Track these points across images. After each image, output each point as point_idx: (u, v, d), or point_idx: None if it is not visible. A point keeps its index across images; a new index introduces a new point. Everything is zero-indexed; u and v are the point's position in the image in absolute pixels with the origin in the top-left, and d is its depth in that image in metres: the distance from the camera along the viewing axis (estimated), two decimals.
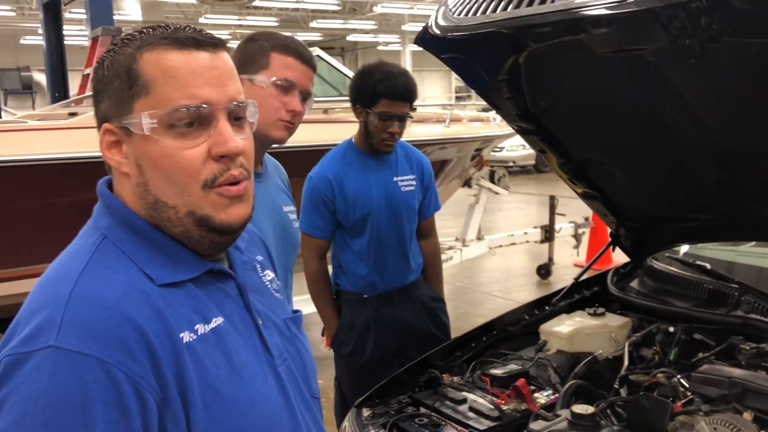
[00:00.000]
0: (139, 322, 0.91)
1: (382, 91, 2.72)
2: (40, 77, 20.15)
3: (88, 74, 6.44)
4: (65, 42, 9.03)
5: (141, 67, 0.98)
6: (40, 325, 0.89)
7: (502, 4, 1.80)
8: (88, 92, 5.94)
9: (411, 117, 2.83)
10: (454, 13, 1.96)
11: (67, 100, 6.59)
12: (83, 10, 8.15)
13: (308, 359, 1.21)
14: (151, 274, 0.98)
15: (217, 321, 1.02)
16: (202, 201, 1.00)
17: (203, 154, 0.99)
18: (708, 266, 2.34)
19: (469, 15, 1.90)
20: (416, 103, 2.95)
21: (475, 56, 2.11)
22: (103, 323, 0.89)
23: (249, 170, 1.04)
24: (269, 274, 1.25)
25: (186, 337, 0.96)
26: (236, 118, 1.03)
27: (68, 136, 3.98)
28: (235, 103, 1.01)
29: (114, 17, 7.94)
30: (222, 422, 0.96)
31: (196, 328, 0.98)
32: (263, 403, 1.03)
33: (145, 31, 1.01)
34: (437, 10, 2.05)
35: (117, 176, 1.05)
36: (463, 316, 6.29)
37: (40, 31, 10.20)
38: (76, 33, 18.61)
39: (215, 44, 1.02)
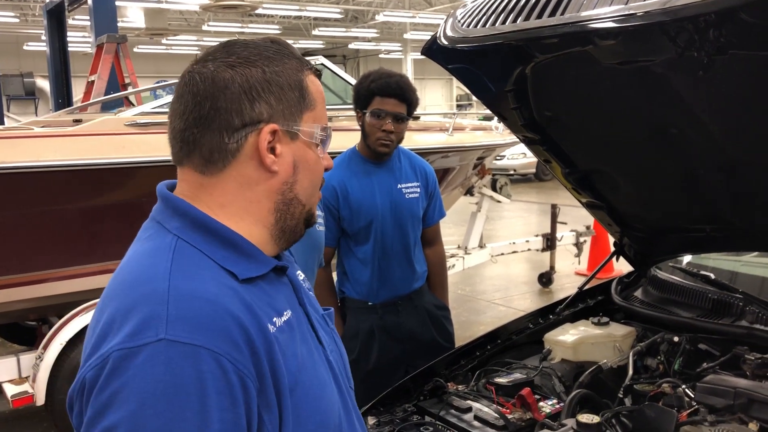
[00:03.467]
0: (238, 315, 0.97)
1: (374, 89, 2.75)
2: (43, 83, 20.19)
3: (92, 81, 6.46)
4: (69, 48, 9.03)
5: (308, 85, 1.13)
6: (144, 320, 0.92)
7: (511, 16, 1.82)
8: (93, 99, 5.95)
9: (406, 118, 2.84)
10: (462, 25, 1.98)
11: (72, 107, 6.61)
12: (87, 17, 8.18)
13: (343, 352, 1.30)
14: (233, 270, 1.03)
15: (288, 314, 1.09)
16: (315, 202, 1.19)
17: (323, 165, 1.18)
18: (712, 276, 2.35)
19: (478, 27, 1.92)
20: (419, 111, 2.95)
21: (482, 67, 2.12)
22: (208, 317, 0.94)
23: None
24: (300, 274, 1.31)
25: (270, 328, 1.02)
26: None
27: (73, 143, 3.99)
28: None
29: (118, 24, 7.97)
30: (302, 407, 1.03)
31: (274, 320, 1.04)
32: (329, 389, 1.11)
33: (290, 50, 1.14)
34: (445, 22, 2.07)
35: (237, 176, 1.08)
36: (465, 323, 6.29)
37: (43, 37, 10.22)
38: (80, 39, 18.68)
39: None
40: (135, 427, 0.87)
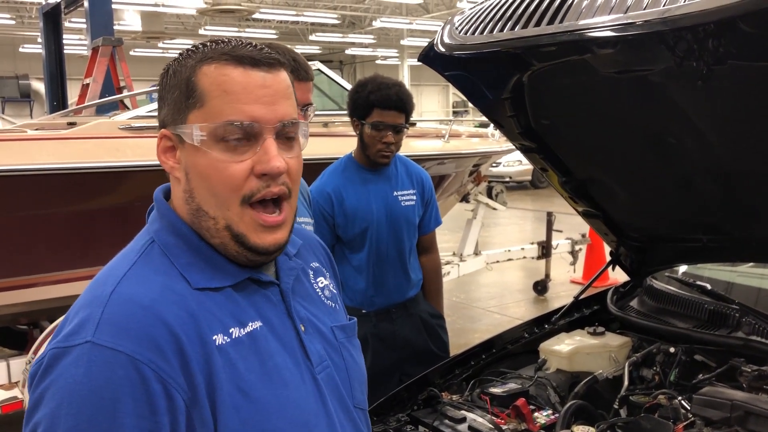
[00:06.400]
0: (171, 322, 0.95)
1: (374, 101, 2.73)
2: (39, 85, 20.14)
3: (87, 84, 6.43)
4: (65, 51, 9.00)
5: (199, 79, 1.01)
6: (81, 322, 0.94)
7: (509, 24, 1.81)
8: (88, 102, 5.93)
9: (406, 127, 2.83)
10: (459, 32, 1.97)
11: (66, 110, 6.58)
12: (83, 20, 8.15)
13: (354, 368, 1.21)
14: (188, 278, 1.01)
15: (254, 325, 1.04)
16: (239, 218, 1.02)
17: (247, 170, 1.01)
18: (708, 286, 2.34)
19: (475, 34, 1.91)
20: (415, 117, 2.95)
21: (479, 74, 2.11)
22: (136, 322, 0.93)
23: (291, 189, 1.06)
24: (323, 281, 1.26)
25: (219, 339, 0.98)
26: (286, 138, 1.05)
27: (67, 145, 3.97)
28: (284, 122, 1.03)
29: (114, 27, 7.95)
30: (251, 426, 0.98)
31: (230, 331, 1.00)
32: (295, 409, 1.04)
33: (209, 44, 1.05)
34: (443, 29, 2.06)
35: (171, 180, 1.09)
36: (460, 331, 6.28)
37: (39, 39, 10.20)
38: (76, 42, 18.64)
39: (272, 64, 1.04)
40: (51, 426, 0.89)
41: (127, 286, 0.97)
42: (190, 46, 1.09)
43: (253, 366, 1.00)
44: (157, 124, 1.10)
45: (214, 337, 0.98)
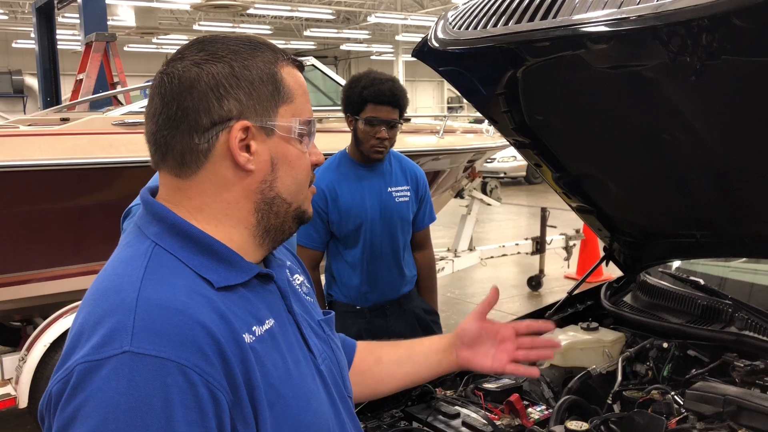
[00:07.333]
0: (208, 324, 0.93)
1: (367, 96, 2.73)
2: (32, 81, 20.10)
3: (80, 80, 6.41)
4: (58, 46, 8.98)
5: (283, 77, 1.08)
6: (110, 332, 0.90)
7: (503, 19, 1.80)
8: (81, 98, 5.91)
9: (400, 123, 2.82)
10: (453, 27, 1.97)
11: (60, 106, 6.56)
12: (77, 15, 8.14)
13: (341, 359, 1.26)
14: (209, 278, 1.00)
15: (270, 322, 1.05)
16: (305, 197, 1.14)
17: (310, 161, 1.14)
18: (701, 282, 2.34)
19: (469, 29, 1.91)
20: (409, 113, 2.94)
21: (473, 70, 2.11)
22: (175, 327, 0.91)
23: None
24: (298, 278, 1.28)
25: (247, 338, 0.98)
26: None
27: (60, 141, 3.96)
28: None
29: (108, 23, 7.93)
30: (284, 421, 0.99)
31: (253, 329, 1.01)
32: (315, 401, 1.07)
33: (264, 43, 1.10)
34: (436, 24, 2.05)
35: (218, 177, 1.05)
36: (454, 327, 6.20)
37: (32, 34, 10.16)
38: (69, 37, 18.58)
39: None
40: None
41: (151, 291, 0.94)
42: (236, 42, 1.07)
43: (277, 362, 1.02)
44: None
45: (243, 336, 0.98)
